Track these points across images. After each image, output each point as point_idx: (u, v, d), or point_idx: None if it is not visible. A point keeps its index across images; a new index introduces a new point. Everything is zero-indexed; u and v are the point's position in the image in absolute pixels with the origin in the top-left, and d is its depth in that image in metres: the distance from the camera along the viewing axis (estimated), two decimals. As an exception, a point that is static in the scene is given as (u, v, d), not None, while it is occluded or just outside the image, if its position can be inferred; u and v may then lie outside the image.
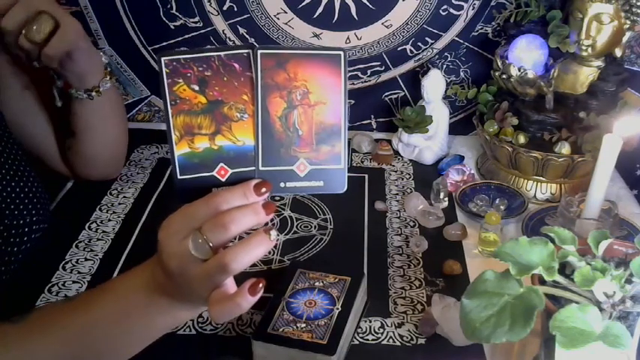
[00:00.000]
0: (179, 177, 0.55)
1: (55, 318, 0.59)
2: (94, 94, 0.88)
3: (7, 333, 0.59)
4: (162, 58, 0.54)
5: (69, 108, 0.91)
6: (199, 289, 0.53)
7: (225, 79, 0.55)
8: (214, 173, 0.56)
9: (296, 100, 0.55)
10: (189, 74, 0.54)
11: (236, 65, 0.55)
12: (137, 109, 1.27)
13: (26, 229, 0.85)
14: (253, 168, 0.56)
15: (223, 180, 0.56)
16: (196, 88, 0.55)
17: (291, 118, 0.55)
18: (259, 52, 0.54)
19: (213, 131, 0.55)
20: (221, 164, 0.56)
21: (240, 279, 0.54)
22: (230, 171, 0.56)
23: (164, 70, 0.54)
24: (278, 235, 0.83)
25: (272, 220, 0.96)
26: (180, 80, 0.54)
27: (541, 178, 1.02)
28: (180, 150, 0.55)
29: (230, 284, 0.54)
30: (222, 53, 0.54)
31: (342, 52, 0.55)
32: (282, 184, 0.56)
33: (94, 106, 0.89)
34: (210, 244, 0.51)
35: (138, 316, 0.58)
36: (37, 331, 0.58)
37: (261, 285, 0.52)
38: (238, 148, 0.55)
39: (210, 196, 0.53)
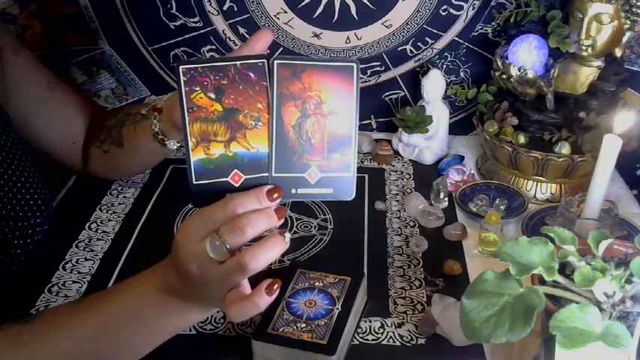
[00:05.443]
0: (195, 182, 0.56)
1: (66, 319, 0.60)
2: (159, 141, 0.88)
3: (18, 334, 0.59)
4: (180, 67, 0.55)
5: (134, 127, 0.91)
6: (216, 289, 0.55)
7: (240, 87, 0.56)
8: (228, 179, 0.57)
9: (310, 109, 0.56)
10: (206, 82, 0.56)
11: (251, 74, 0.56)
12: (137, 109, 1.27)
13: (30, 231, 0.85)
14: (266, 174, 0.57)
15: (237, 185, 0.57)
16: (213, 96, 0.56)
17: (305, 127, 0.57)
18: (276, 62, 0.56)
19: (228, 138, 0.56)
20: (235, 170, 0.57)
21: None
22: (244, 177, 0.57)
23: (182, 78, 0.55)
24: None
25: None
26: (198, 88, 0.56)
27: (541, 178, 1.02)
28: (196, 156, 0.56)
29: (245, 285, 0.56)
30: (238, 63, 0.56)
31: (354, 64, 0.56)
32: (293, 191, 0.57)
33: (154, 146, 0.89)
34: (227, 247, 0.53)
35: (149, 318, 0.59)
36: (48, 331, 0.59)
37: (276, 285, 0.54)
38: (252, 155, 0.57)
39: (226, 199, 0.55)
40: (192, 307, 0.58)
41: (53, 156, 0.98)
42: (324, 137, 0.57)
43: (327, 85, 0.56)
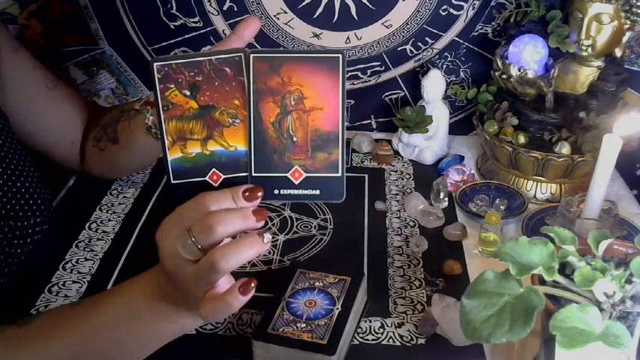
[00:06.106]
0: (172, 182, 0.55)
1: (61, 321, 0.59)
2: (153, 135, 0.88)
3: (14, 336, 0.59)
4: (155, 64, 0.53)
5: (128, 121, 0.91)
6: (194, 289, 0.53)
7: (216, 83, 0.54)
8: (207, 178, 0.55)
9: (290, 105, 0.54)
10: (180, 79, 0.54)
11: (227, 70, 0.54)
12: (137, 109, 1.27)
13: (29, 231, 0.85)
14: (246, 174, 0.55)
15: (216, 185, 0.55)
16: (187, 93, 0.54)
17: (285, 123, 0.54)
18: (251, 55, 0.53)
19: (205, 136, 0.55)
20: (213, 169, 0.55)
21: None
22: (222, 176, 0.55)
23: (156, 75, 0.53)
24: (272, 237, 0.82)
25: (272, 220, 0.97)
26: (172, 85, 0.54)
27: (541, 178, 1.02)
28: (173, 155, 0.55)
29: (224, 285, 0.54)
30: (213, 58, 0.54)
31: (340, 55, 0.53)
32: (275, 191, 0.55)
33: (148, 141, 0.89)
34: (199, 246, 0.51)
35: (144, 322, 0.58)
36: (43, 334, 0.59)
37: (252, 284, 0.52)
38: (230, 153, 0.55)
39: (200, 196, 0.53)
40: (182, 312, 0.57)
41: (52, 156, 0.98)
42: (307, 135, 0.54)
43: (308, 79, 0.53)
